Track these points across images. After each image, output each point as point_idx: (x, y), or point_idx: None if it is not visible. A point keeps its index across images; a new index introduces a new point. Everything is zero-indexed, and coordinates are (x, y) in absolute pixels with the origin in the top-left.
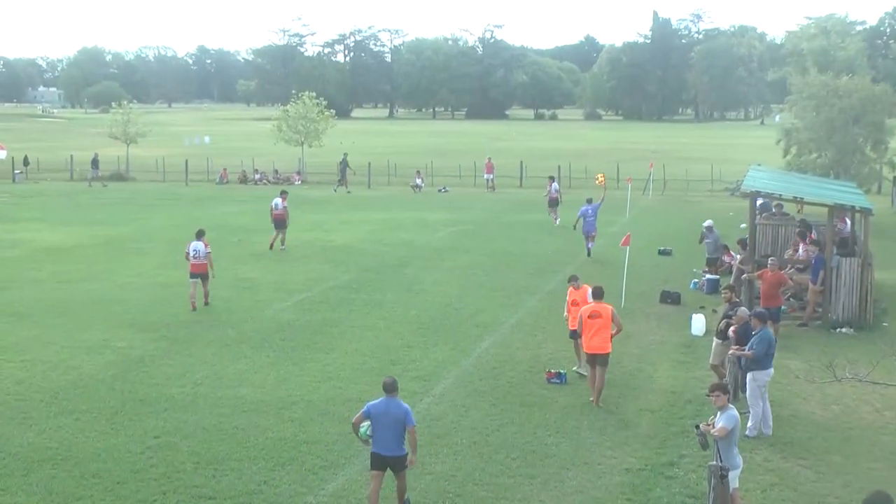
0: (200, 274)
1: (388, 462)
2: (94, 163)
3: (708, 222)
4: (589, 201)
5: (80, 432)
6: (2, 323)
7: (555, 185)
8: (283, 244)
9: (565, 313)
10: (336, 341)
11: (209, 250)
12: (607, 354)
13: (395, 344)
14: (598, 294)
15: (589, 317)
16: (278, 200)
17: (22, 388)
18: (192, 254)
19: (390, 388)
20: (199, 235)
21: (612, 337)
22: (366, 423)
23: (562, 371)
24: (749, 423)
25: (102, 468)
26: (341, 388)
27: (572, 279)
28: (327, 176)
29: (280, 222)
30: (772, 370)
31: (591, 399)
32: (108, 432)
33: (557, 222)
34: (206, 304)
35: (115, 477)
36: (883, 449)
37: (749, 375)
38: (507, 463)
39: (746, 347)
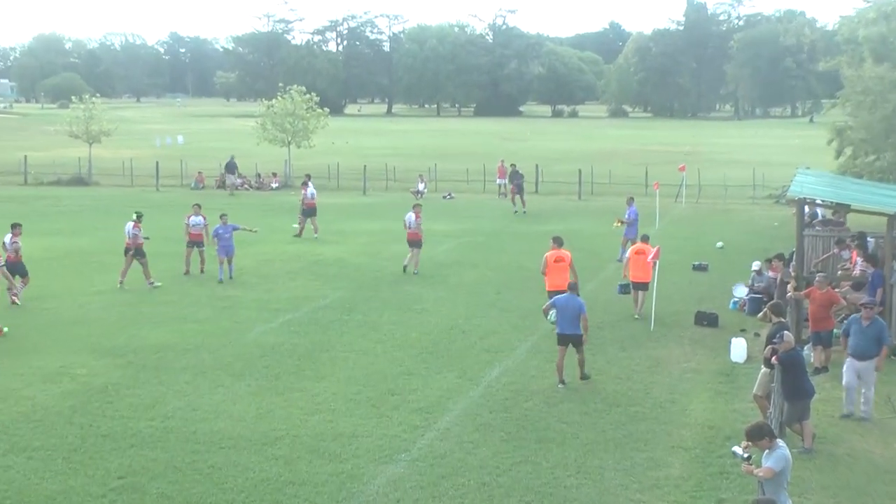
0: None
1: (569, 339)
2: (230, 167)
3: (756, 265)
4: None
5: (33, 472)
6: None
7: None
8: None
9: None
10: (326, 368)
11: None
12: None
13: (393, 371)
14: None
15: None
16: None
17: None
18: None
19: (573, 288)
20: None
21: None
22: (553, 311)
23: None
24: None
25: None
26: (332, 422)
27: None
28: (318, 181)
29: (310, 210)
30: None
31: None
32: (66, 472)
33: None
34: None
35: None
36: None
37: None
38: None
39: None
